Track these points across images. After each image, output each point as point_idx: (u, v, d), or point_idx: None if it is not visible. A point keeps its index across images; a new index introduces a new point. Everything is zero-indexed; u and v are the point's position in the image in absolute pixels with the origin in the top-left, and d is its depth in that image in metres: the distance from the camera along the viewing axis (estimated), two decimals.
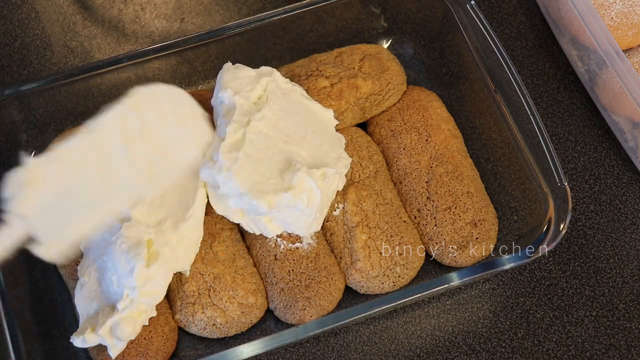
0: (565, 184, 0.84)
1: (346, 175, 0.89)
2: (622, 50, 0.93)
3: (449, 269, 0.89)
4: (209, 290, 0.84)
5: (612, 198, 0.96)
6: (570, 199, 0.83)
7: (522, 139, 0.87)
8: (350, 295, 0.87)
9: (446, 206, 0.89)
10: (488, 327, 0.89)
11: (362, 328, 0.88)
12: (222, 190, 0.79)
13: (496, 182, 0.91)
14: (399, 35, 1.00)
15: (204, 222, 0.84)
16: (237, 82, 0.83)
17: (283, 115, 0.84)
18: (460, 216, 0.88)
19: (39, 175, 0.61)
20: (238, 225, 0.87)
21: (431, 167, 0.91)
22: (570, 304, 0.90)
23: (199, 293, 0.84)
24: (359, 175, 0.90)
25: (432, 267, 0.89)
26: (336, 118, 0.90)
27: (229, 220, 0.84)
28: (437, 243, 0.88)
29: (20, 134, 0.91)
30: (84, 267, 0.81)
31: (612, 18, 0.95)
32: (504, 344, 0.88)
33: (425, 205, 0.89)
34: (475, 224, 0.88)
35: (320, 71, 0.93)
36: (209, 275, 0.84)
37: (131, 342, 0.81)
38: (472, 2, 0.92)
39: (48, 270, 0.87)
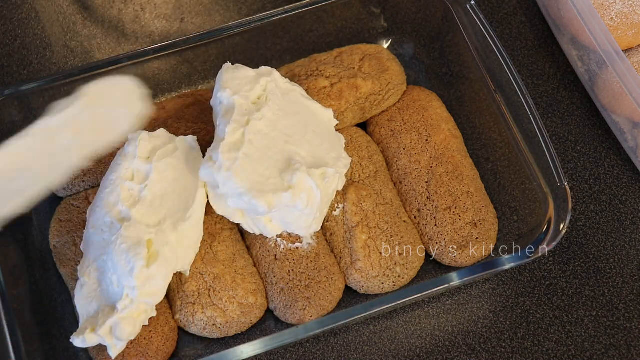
0: (565, 184, 0.84)
1: (346, 175, 0.89)
2: (622, 50, 0.93)
3: (449, 269, 0.89)
4: (209, 290, 0.84)
5: (612, 198, 0.96)
6: (570, 199, 0.83)
7: (522, 139, 0.87)
8: (350, 295, 0.87)
9: (446, 206, 0.89)
10: (488, 327, 0.89)
11: (362, 328, 0.88)
12: (222, 190, 0.79)
13: (496, 182, 0.91)
14: (399, 35, 1.00)
15: (204, 222, 0.84)
16: (236, 82, 0.83)
17: (283, 115, 0.84)
18: (460, 216, 0.88)
19: None
20: (238, 225, 0.87)
21: (431, 167, 0.91)
22: (570, 304, 0.90)
23: (199, 293, 0.84)
24: (359, 175, 0.90)
25: (432, 267, 0.89)
26: (336, 118, 0.90)
27: (229, 220, 0.84)
28: (437, 243, 0.88)
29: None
30: (84, 267, 0.81)
31: (612, 18, 0.95)
32: (504, 344, 0.88)
33: (425, 205, 0.89)
34: (475, 224, 0.88)
35: (320, 71, 0.93)
36: (209, 275, 0.84)
37: (131, 342, 0.81)
38: (472, 2, 0.92)
39: (48, 270, 0.87)
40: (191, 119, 0.92)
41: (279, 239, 0.86)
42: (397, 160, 0.92)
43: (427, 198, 0.90)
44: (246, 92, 0.83)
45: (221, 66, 0.86)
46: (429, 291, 0.82)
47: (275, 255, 0.86)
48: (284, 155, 0.82)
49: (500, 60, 0.89)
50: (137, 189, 0.81)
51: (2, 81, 0.99)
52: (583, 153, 0.98)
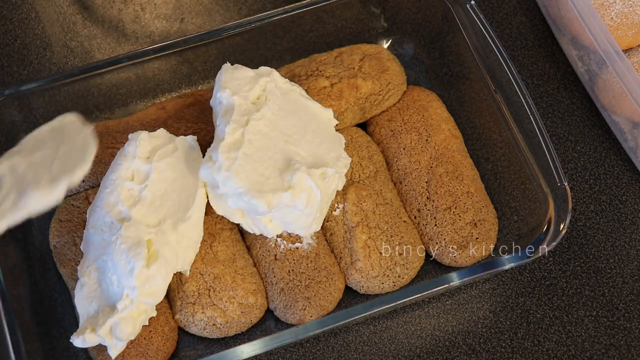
0: (565, 184, 0.84)
1: (346, 175, 0.89)
2: (622, 50, 0.93)
3: (449, 269, 0.89)
4: (209, 290, 0.84)
5: (612, 198, 0.96)
6: (570, 199, 0.83)
7: (522, 139, 0.87)
8: (350, 295, 0.87)
9: (446, 206, 0.89)
10: (488, 327, 0.89)
11: (362, 328, 0.88)
12: (222, 190, 0.79)
13: (496, 182, 0.91)
14: (399, 35, 1.00)
15: (204, 222, 0.84)
16: (235, 82, 0.83)
17: (282, 115, 0.84)
18: (460, 216, 0.88)
19: None
20: (238, 225, 0.87)
21: (431, 167, 0.91)
22: (570, 304, 0.90)
23: (199, 293, 0.84)
24: (359, 175, 0.90)
25: (432, 267, 0.89)
26: (336, 118, 0.90)
27: (229, 220, 0.84)
28: (437, 243, 0.88)
29: (20, 134, 0.91)
30: (84, 267, 0.81)
31: (612, 18, 0.95)
32: (504, 344, 0.88)
33: (425, 205, 0.89)
34: (475, 224, 0.88)
35: (320, 71, 0.93)
36: (209, 275, 0.84)
37: (131, 342, 0.81)
38: (472, 2, 0.92)
39: (48, 270, 0.87)
40: (191, 119, 0.92)
41: (279, 239, 0.86)
42: (397, 160, 0.92)
43: (427, 198, 0.90)
44: (245, 92, 0.83)
45: (221, 66, 0.86)
46: (429, 291, 0.82)
47: (275, 255, 0.86)
48: (284, 155, 0.82)
49: (500, 60, 0.89)
50: (137, 189, 0.81)
51: (2, 81, 0.99)
52: (583, 153, 0.98)
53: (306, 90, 0.91)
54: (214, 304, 0.84)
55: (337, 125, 0.90)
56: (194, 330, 0.84)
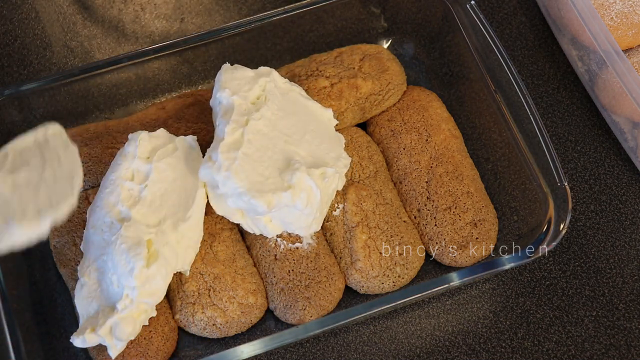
0: (565, 184, 0.84)
1: (346, 175, 0.89)
2: (622, 50, 0.93)
3: (449, 269, 0.89)
4: (209, 290, 0.84)
5: (612, 198, 0.96)
6: (570, 199, 0.83)
7: (522, 139, 0.87)
8: (350, 295, 0.87)
9: (446, 206, 0.89)
10: (488, 327, 0.89)
11: (362, 328, 0.88)
12: (221, 190, 0.79)
13: (496, 182, 0.91)
14: (399, 35, 1.00)
15: (204, 222, 0.84)
16: (235, 82, 0.83)
17: (282, 115, 0.84)
18: (460, 216, 0.88)
19: None
20: (238, 225, 0.87)
21: (431, 167, 0.91)
22: (570, 304, 0.90)
23: (199, 293, 0.84)
24: (359, 175, 0.90)
25: (432, 267, 0.89)
26: (336, 118, 0.90)
27: (229, 220, 0.84)
28: (437, 243, 0.88)
29: (20, 134, 0.91)
30: (84, 267, 0.81)
31: (612, 18, 0.95)
32: (504, 344, 0.88)
33: (425, 205, 0.89)
34: (475, 224, 0.88)
35: (320, 71, 0.93)
36: (209, 275, 0.84)
37: (131, 342, 0.81)
38: (472, 2, 0.92)
39: (48, 270, 0.87)
40: (191, 119, 0.92)
41: (279, 239, 0.86)
42: (397, 160, 0.92)
43: (427, 198, 0.90)
44: (245, 92, 0.83)
45: (221, 66, 0.86)
46: (429, 291, 0.82)
47: (275, 255, 0.86)
48: (284, 155, 0.82)
49: (500, 60, 0.89)
50: (137, 189, 0.81)
51: (2, 81, 0.99)
52: (583, 153, 0.98)
53: (306, 90, 0.91)
54: (214, 304, 0.84)
55: (337, 125, 0.90)
56: (194, 330, 0.84)
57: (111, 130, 0.91)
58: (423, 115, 0.94)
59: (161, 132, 0.85)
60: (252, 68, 0.86)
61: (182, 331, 0.86)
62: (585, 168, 0.97)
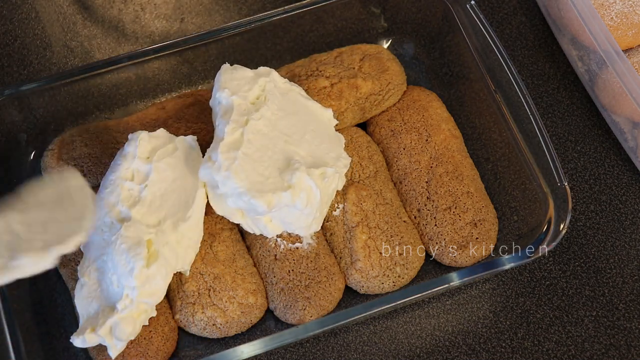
0: (565, 184, 0.84)
1: (346, 175, 0.89)
2: (622, 50, 0.93)
3: (449, 269, 0.89)
4: (209, 290, 0.84)
5: (612, 198, 0.96)
6: (570, 199, 0.83)
7: (522, 139, 0.87)
8: (350, 295, 0.87)
9: (446, 206, 0.89)
10: (488, 327, 0.89)
11: (362, 328, 0.88)
12: (221, 190, 0.79)
13: (496, 182, 0.91)
14: (399, 35, 1.00)
15: (204, 222, 0.84)
16: (234, 82, 0.83)
17: (282, 115, 0.84)
18: (460, 216, 0.88)
19: None
20: (238, 225, 0.87)
21: (431, 167, 0.91)
22: (570, 304, 0.90)
23: (199, 293, 0.84)
24: (359, 175, 0.90)
25: (432, 267, 0.89)
26: (336, 118, 0.90)
27: (229, 220, 0.84)
28: (437, 243, 0.88)
29: (20, 134, 0.91)
30: (84, 267, 0.81)
31: (612, 18, 0.95)
32: (504, 344, 0.88)
33: (425, 205, 0.89)
34: (475, 224, 0.88)
35: (320, 71, 0.93)
36: (209, 275, 0.84)
37: (131, 342, 0.81)
38: (472, 2, 0.92)
39: (48, 270, 0.87)
40: (191, 119, 0.92)
41: (279, 239, 0.86)
42: (397, 160, 0.92)
43: (427, 198, 0.90)
44: (245, 92, 0.83)
45: (221, 66, 0.86)
46: (429, 291, 0.82)
47: (275, 255, 0.86)
48: (284, 155, 0.82)
49: (500, 60, 0.89)
50: (137, 189, 0.81)
51: (2, 81, 0.99)
52: (583, 153, 0.98)
53: (306, 90, 0.91)
54: (214, 304, 0.84)
55: (337, 125, 0.90)
56: (194, 330, 0.84)
57: (111, 130, 0.91)
58: (423, 115, 0.94)
59: (161, 132, 0.85)
60: (252, 68, 0.86)
61: (182, 331, 0.86)
62: (585, 168, 0.97)
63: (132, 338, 0.79)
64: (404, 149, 0.92)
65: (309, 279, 0.85)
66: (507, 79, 0.89)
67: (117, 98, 0.94)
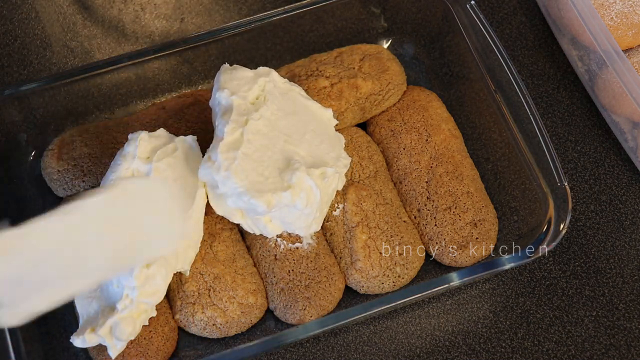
0: (565, 184, 0.84)
1: (346, 175, 0.89)
2: (622, 50, 0.93)
3: (449, 269, 0.89)
4: (209, 290, 0.84)
5: (612, 198, 0.96)
6: (570, 199, 0.83)
7: (522, 139, 0.87)
8: (350, 295, 0.87)
9: (446, 206, 0.89)
10: (488, 327, 0.89)
11: (362, 328, 0.88)
12: (221, 190, 0.79)
13: (496, 182, 0.91)
14: (399, 35, 1.00)
15: (204, 222, 0.84)
16: (234, 82, 0.83)
17: (282, 114, 0.84)
18: (460, 216, 0.88)
19: (12, 247, 0.61)
20: (238, 225, 0.87)
21: (431, 167, 0.91)
22: (570, 304, 0.90)
23: (199, 293, 0.84)
24: (359, 175, 0.90)
25: (432, 267, 0.89)
26: (336, 118, 0.90)
27: (229, 220, 0.84)
28: (437, 243, 0.88)
29: (20, 134, 0.91)
30: None
31: (612, 18, 0.95)
32: (504, 344, 0.88)
33: (425, 205, 0.89)
34: (475, 224, 0.88)
35: (320, 71, 0.93)
36: (209, 275, 0.84)
37: (131, 342, 0.81)
38: (472, 2, 0.92)
39: None
40: (191, 119, 0.92)
41: (279, 239, 0.86)
42: (397, 160, 0.92)
43: (427, 198, 0.90)
44: (244, 93, 0.83)
45: (221, 66, 0.86)
46: (429, 291, 0.82)
47: (275, 255, 0.86)
48: (283, 155, 0.82)
49: (500, 60, 0.89)
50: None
51: (2, 81, 0.99)
52: (583, 153, 0.98)
53: (306, 90, 0.91)
54: (214, 304, 0.84)
55: (337, 125, 0.90)
56: (194, 330, 0.84)
57: (111, 130, 0.91)
58: (423, 115, 0.94)
59: (161, 132, 0.85)
60: (252, 68, 0.86)
61: (182, 331, 0.86)
62: (585, 168, 0.97)
63: (132, 338, 0.79)
64: (404, 149, 0.92)
65: (309, 279, 0.85)
66: (507, 79, 0.88)
67: (117, 98, 0.94)
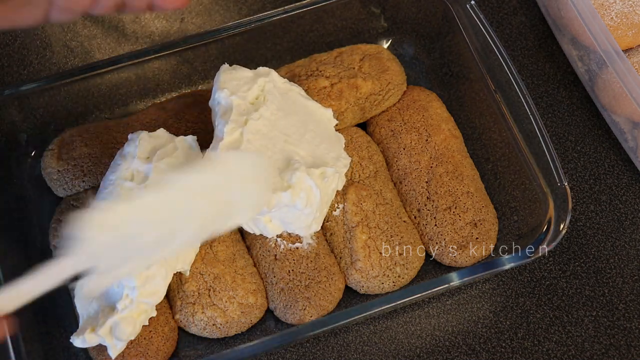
0: (565, 184, 0.84)
1: (346, 175, 0.89)
2: (622, 50, 0.93)
3: (449, 269, 0.89)
4: (209, 290, 0.84)
5: (612, 198, 0.96)
6: (570, 199, 0.83)
7: (522, 139, 0.87)
8: (350, 295, 0.87)
9: (446, 206, 0.89)
10: (488, 327, 0.89)
11: (362, 328, 0.88)
12: None
13: (496, 182, 0.91)
14: (399, 35, 1.00)
15: None
16: (234, 82, 0.83)
17: (281, 114, 0.84)
18: (460, 216, 0.88)
19: (112, 220, 0.64)
20: None
21: (431, 167, 0.91)
22: (570, 304, 0.90)
23: (199, 293, 0.84)
24: (359, 175, 0.90)
25: (432, 267, 0.89)
26: (336, 118, 0.90)
27: None
28: (437, 243, 0.88)
29: (20, 134, 0.91)
30: None
31: (612, 18, 0.95)
32: (504, 344, 0.88)
33: (425, 205, 0.89)
34: (475, 224, 0.88)
35: (320, 71, 0.93)
36: (209, 275, 0.84)
37: (131, 342, 0.81)
38: (472, 2, 0.92)
39: None
40: (191, 119, 0.92)
41: (279, 239, 0.86)
42: (397, 160, 0.92)
43: (427, 198, 0.90)
44: (244, 93, 0.83)
45: (221, 66, 0.86)
46: (429, 291, 0.82)
47: (275, 255, 0.86)
48: (283, 155, 0.82)
49: (500, 60, 0.89)
50: (137, 189, 0.81)
51: (2, 81, 0.99)
52: (583, 153, 0.98)
53: (306, 90, 0.91)
54: (214, 304, 0.84)
55: (337, 125, 0.90)
56: (194, 330, 0.84)
57: (111, 130, 0.91)
58: (423, 115, 0.94)
59: (161, 132, 0.85)
60: (252, 68, 0.86)
61: (182, 331, 0.86)
62: (585, 168, 0.97)
63: (132, 338, 0.79)
64: (404, 149, 0.92)
65: (309, 279, 0.85)
66: (507, 79, 0.88)
67: (117, 98, 0.94)
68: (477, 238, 0.88)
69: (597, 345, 0.88)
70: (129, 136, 0.84)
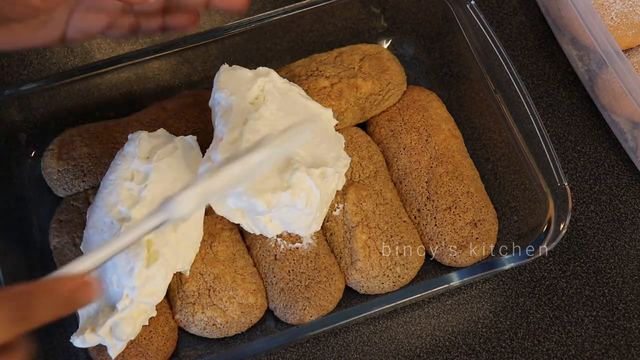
0: (565, 184, 0.84)
1: (346, 175, 0.89)
2: (622, 50, 0.93)
3: (449, 269, 0.89)
4: (209, 290, 0.84)
5: (612, 198, 0.96)
6: (570, 199, 0.83)
7: (522, 139, 0.87)
8: (350, 295, 0.87)
9: (446, 206, 0.89)
10: (488, 327, 0.89)
11: (362, 328, 0.88)
12: None
13: (496, 182, 0.91)
14: (399, 35, 1.00)
15: (204, 222, 0.84)
16: (233, 82, 0.83)
17: (281, 114, 0.84)
18: (460, 216, 0.88)
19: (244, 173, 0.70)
20: (238, 225, 0.87)
21: (431, 167, 0.91)
22: (570, 304, 0.90)
23: (199, 293, 0.84)
24: (359, 175, 0.90)
25: (432, 267, 0.89)
26: (336, 118, 0.90)
27: (229, 220, 0.84)
28: (437, 243, 0.88)
29: (20, 134, 0.91)
30: None
31: (612, 18, 0.95)
32: (504, 344, 0.88)
33: (425, 205, 0.89)
34: (475, 224, 0.88)
35: (320, 71, 0.93)
36: (209, 275, 0.84)
37: (131, 342, 0.81)
38: (472, 2, 0.92)
39: (48, 270, 0.87)
40: (191, 119, 0.92)
41: (279, 239, 0.86)
42: (397, 160, 0.92)
43: (427, 198, 0.90)
44: (244, 93, 0.83)
45: (220, 66, 0.86)
46: (429, 291, 0.82)
47: (275, 255, 0.86)
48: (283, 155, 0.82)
49: (500, 60, 0.89)
50: (137, 189, 0.81)
51: (2, 81, 0.99)
52: (583, 153, 0.98)
53: (306, 90, 0.91)
54: (214, 304, 0.84)
55: (337, 125, 0.90)
56: (194, 330, 0.84)
57: (111, 130, 0.91)
58: (423, 115, 0.94)
59: (161, 132, 0.85)
60: (252, 68, 0.86)
61: (182, 331, 0.86)
62: (585, 168, 0.97)
63: (132, 338, 0.79)
64: (404, 149, 0.92)
65: (309, 279, 0.85)
66: (507, 79, 0.88)
67: (117, 98, 0.94)
68: (477, 238, 0.88)
69: (597, 345, 0.88)
70: (129, 136, 0.84)
